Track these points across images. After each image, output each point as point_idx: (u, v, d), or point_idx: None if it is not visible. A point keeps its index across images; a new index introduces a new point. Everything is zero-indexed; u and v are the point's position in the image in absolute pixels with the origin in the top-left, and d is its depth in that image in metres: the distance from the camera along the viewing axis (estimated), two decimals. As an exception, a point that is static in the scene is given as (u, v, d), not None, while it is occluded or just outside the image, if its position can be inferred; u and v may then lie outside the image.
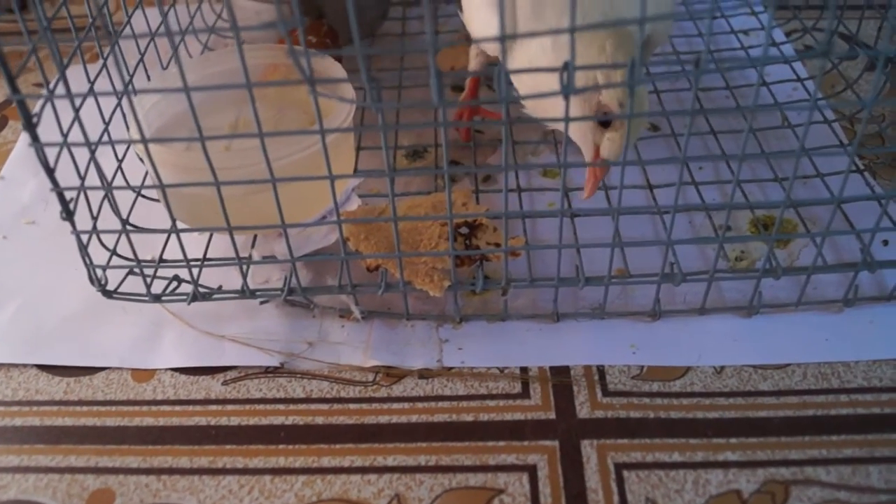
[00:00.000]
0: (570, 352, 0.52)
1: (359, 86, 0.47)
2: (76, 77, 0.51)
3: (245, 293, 0.53)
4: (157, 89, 0.55)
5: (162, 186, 0.47)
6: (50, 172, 0.47)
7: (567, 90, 0.40)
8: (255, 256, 0.56)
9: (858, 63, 0.76)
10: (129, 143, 0.49)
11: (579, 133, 0.50)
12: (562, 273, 0.50)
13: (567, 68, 0.39)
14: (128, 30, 0.62)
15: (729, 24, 0.80)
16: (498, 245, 0.53)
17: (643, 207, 0.60)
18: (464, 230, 0.54)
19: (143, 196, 0.60)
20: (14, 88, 0.43)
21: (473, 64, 0.65)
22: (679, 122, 0.68)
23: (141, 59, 0.62)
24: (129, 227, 0.52)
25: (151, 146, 0.47)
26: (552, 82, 0.39)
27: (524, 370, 0.51)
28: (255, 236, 0.57)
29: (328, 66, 0.59)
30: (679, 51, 0.77)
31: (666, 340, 0.52)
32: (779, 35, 0.78)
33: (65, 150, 0.47)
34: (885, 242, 0.57)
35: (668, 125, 0.67)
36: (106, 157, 0.55)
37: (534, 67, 0.48)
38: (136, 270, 0.52)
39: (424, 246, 0.53)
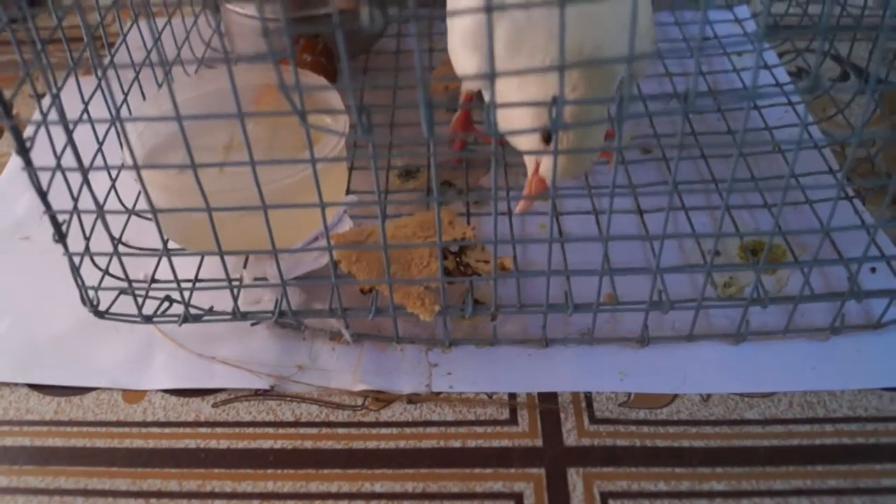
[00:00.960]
0: (559, 378, 0.52)
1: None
2: (70, 92, 0.51)
3: (236, 316, 0.53)
4: (148, 118, 0.55)
5: (154, 211, 0.47)
6: (43, 196, 0.47)
7: (555, 126, 0.40)
8: (247, 277, 0.56)
9: (850, 86, 0.77)
10: (123, 168, 0.49)
11: (526, 147, 0.51)
12: (551, 296, 0.51)
13: (556, 103, 0.40)
14: (123, 45, 0.62)
15: (721, 45, 0.80)
16: (488, 262, 0.54)
17: (633, 235, 0.60)
18: (453, 248, 0.55)
19: (136, 214, 0.60)
20: (7, 114, 0.43)
21: (464, 88, 0.65)
22: (670, 144, 0.68)
23: (136, 78, 0.62)
24: (121, 248, 0.52)
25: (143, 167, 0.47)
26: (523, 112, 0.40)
27: (512, 396, 0.52)
28: (247, 257, 0.57)
29: (321, 88, 0.59)
30: (671, 72, 0.77)
31: (654, 367, 0.52)
32: (771, 57, 0.79)
33: (57, 172, 0.48)
34: (873, 270, 0.58)
35: (660, 148, 0.68)
36: (99, 174, 0.55)
37: (516, 102, 0.49)
38: (128, 291, 0.52)
39: (415, 265, 0.53)
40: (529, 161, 0.52)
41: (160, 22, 0.63)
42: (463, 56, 0.56)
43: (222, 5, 0.77)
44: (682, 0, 0.87)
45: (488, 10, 0.34)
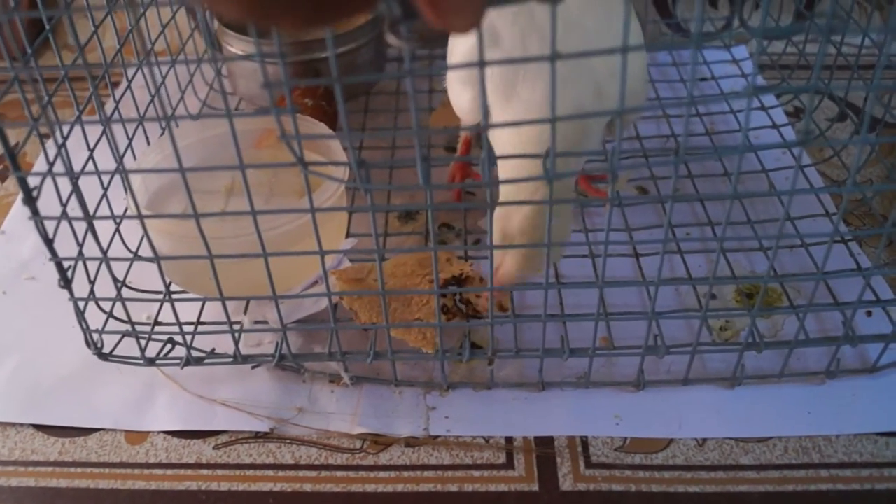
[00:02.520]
0: (555, 422, 0.53)
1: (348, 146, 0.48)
2: (75, 132, 0.53)
3: (237, 359, 0.54)
4: (152, 170, 0.56)
5: (158, 259, 0.48)
6: (49, 243, 0.48)
7: (549, 175, 0.41)
8: (248, 321, 0.57)
9: (847, 125, 0.78)
10: (125, 217, 0.50)
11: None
12: (548, 339, 0.51)
13: (549, 155, 0.41)
14: (126, 86, 0.63)
15: (719, 85, 0.81)
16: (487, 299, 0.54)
17: (629, 281, 0.61)
18: (452, 285, 0.56)
19: (140, 258, 0.61)
20: (15, 166, 0.45)
21: (463, 125, 0.66)
22: (667, 187, 0.69)
23: (140, 124, 0.63)
24: (125, 291, 0.53)
25: (146, 212, 0.48)
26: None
27: (509, 440, 0.52)
28: (248, 300, 0.58)
29: (321, 133, 0.60)
30: (668, 113, 0.78)
31: (649, 411, 0.53)
32: (769, 98, 0.80)
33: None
34: (869, 313, 0.58)
35: (656, 189, 0.68)
36: (103, 214, 0.56)
37: (514, 154, 0.50)
38: (132, 334, 0.53)
39: (416, 301, 0.54)
40: (496, 257, 0.52)
41: (163, 62, 0.64)
42: (456, 89, 0.57)
43: (224, 47, 0.78)
44: (678, 39, 0.88)
45: (480, 64, 0.35)
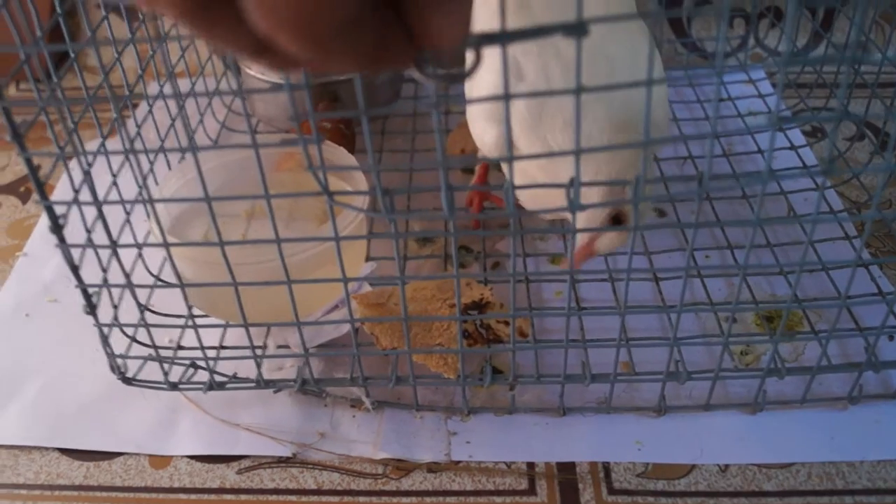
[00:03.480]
0: (577, 448, 0.53)
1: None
2: (98, 159, 0.53)
3: (260, 384, 0.54)
4: (177, 199, 0.57)
5: (182, 286, 0.49)
6: (75, 271, 0.49)
7: (574, 206, 0.41)
8: (270, 344, 0.57)
9: (866, 144, 0.77)
10: (149, 245, 0.50)
11: (587, 224, 0.52)
12: (569, 365, 0.52)
13: (573, 184, 0.41)
14: (146, 107, 0.64)
15: (735, 106, 0.81)
16: (507, 323, 0.55)
17: (650, 305, 0.61)
18: (473, 311, 0.56)
19: (163, 282, 0.61)
20: (42, 195, 0.45)
21: (480, 156, 0.66)
22: (685, 209, 0.69)
23: (161, 148, 0.63)
24: (148, 315, 0.54)
25: (170, 239, 0.48)
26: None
27: (531, 466, 0.52)
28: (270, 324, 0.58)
29: (342, 159, 0.60)
30: (685, 133, 0.78)
31: (671, 437, 0.53)
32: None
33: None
34: (891, 337, 0.58)
35: (675, 213, 0.68)
36: (126, 238, 0.56)
37: (538, 184, 0.50)
38: (155, 358, 0.54)
39: (437, 328, 0.54)
40: (586, 235, 0.53)
41: (182, 83, 0.64)
42: (480, 126, 0.57)
43: (243, 69, 0.78)
44: (694, 59, 0.88)
45: (506, 96, 0.36)
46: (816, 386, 0.55)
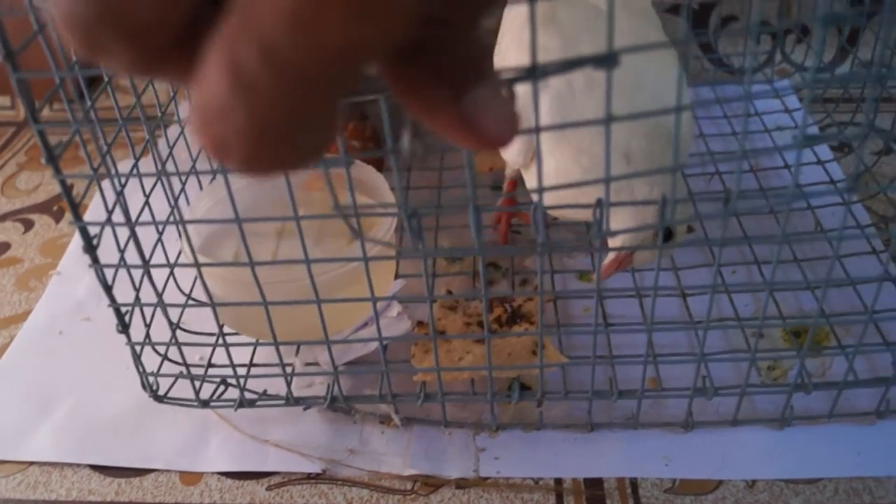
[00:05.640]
0: (604, 463, 0.53)
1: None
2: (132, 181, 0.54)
3: (289, 401, 0.55)
4: (209, 220, 0.58)
5: (213, 305, 0.50)
6: (108, 290, 0.50)
7: (597, 235, 0.42)
8: (299, 363, 0.58)
9: (893, 158, 0.77)
10: (180, 266, 0.51)
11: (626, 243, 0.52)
12: (596, 380, 0.52)
13: (600, 205, 0.41)
14: (176, 128, 0.65)
15: (762, 121, 0.81)
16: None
17: (677, 321, 0.61)
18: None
19: (193, 301, 0.62)
20: (77, 216, 0.46)
21: (509, 170, 0.67)
22: (712, 224, 0.69)
23: (192, 168, 0.64)
24: (179, 333, 0.55)
25: (201, 259, 0.49)
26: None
27: (559, 481, 0.52)
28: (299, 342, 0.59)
29: (371, 178, 0.61)
30: (713, 151, 0.78)
31: (698, 452, 0.53)
32: (813, 132, 0.80)
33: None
34: (919, 352, 0.58)
35: (702, 229, 0.69)
36: (157, 256, 0.57)
37: (566, 205, 0.51)
38: (186, 376, 0.55)
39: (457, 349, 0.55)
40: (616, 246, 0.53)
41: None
42: None
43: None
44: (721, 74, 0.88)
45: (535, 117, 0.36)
46: (843, 401, 0.54)
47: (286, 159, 0.17)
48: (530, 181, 0.58)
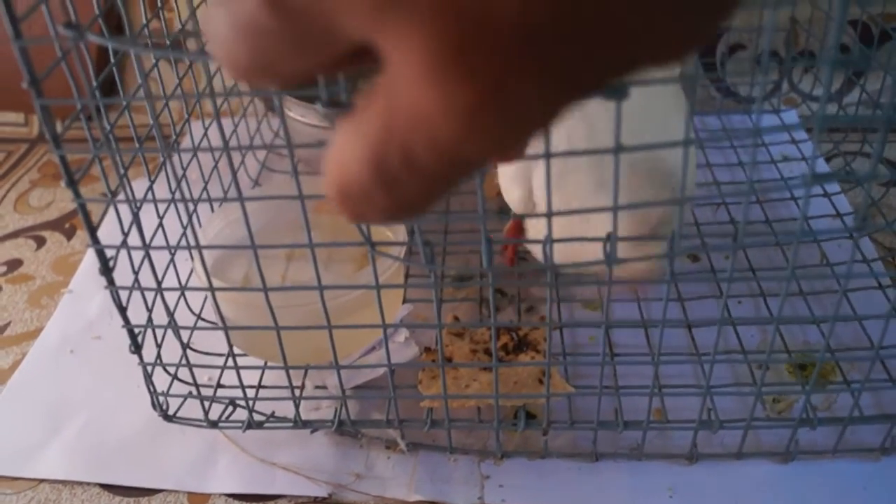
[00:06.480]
0: (609, 493, 0.53)
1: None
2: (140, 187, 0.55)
3: (297, 424, 0.55)
4: (224, 246, 0.59)
5: (225, 328, 0.50)
6: (122, 312, 0.50)
7: (610, 260, 0.42)
8: (308, 385, 0.58)
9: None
10: (191, 289, 0.52)
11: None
12: (602, 410, 0.52)
13: (609, 239, 0.42)
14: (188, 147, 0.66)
15: (769, 151, 0.82)
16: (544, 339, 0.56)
17: (683, 353, 0.61)
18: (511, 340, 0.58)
19: (204, 320, 0.63)
20: (94, 239, 0.47)
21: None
22: (719, 253, 0.70)
23: (205, 188, 0.65)
24: (189, 353, 0.55)
25: (214, 282, 0.50)
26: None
27: (563, 511, 0.53)
28: (308, 365, 0.59)
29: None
30: (720, 181, 0.79)
31: (703, 485, 0.53)
32: (821, 165, 0.80)
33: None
34: (924, 388, 0.58)
35: (708, 260, 0.69)
36: (169, 276, 0.58)
37: (575, 237, 0.51)
38: (196, 396, 0.55)
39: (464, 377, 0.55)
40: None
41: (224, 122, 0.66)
42: (506, 184, 0.60)
43: (285, 113, 0.80)
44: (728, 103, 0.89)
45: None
46: (849, 435, 0.55)
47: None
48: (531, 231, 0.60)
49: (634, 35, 0.18)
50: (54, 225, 0.83)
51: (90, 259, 0.77)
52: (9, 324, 0.71)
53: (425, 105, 0.18)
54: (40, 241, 0.81)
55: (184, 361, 0.54)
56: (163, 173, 0.57)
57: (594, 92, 0.19)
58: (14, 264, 0.78)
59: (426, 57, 0.17)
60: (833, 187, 0.76)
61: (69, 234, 0.81)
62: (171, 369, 0.57)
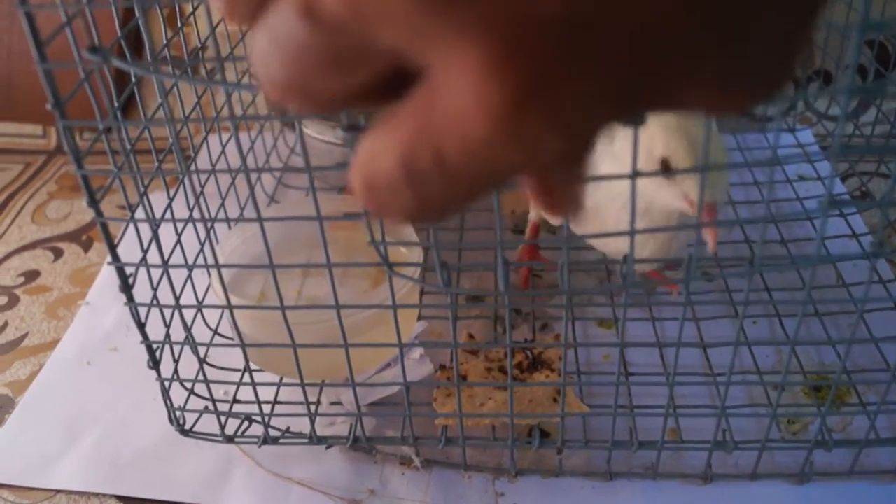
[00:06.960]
0: (623, 514, 0.53)
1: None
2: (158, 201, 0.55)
3: (312, 439, 0.55)
4: (242, 265, 0.59)
5: (243, 346, 0.51)
6: (141, 328, 0.51)
7: (628, 284, 0.42)
8: (324, 401, 0.59)
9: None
10: (208, 307, 0.53)
11: (668, 197, 0.52)
12: (616, 430, 0.52)
13: (626, 261, 0.42)
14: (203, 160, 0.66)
15: (784, 171, 0.82)
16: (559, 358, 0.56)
17: (698, 373, 0.61)
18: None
19: (220, 335, 0.63)
20: (115, 256, 0.47)
21: (533, 212, 0.68)
22: (734, 272, 0.70)
23: (221, 205, 0.66)
24: (206, 368, 0.56)
25: (232, 300, 0.50)
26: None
27: (577, 530, 0.53)
28: (323, 381, 0.60)
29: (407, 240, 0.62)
30: (735, 200, 0.79)
31: (717, 506, 0.53)
32: (837, 185, 0.80)
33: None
34: (940, 411, 0.58)
35: (724, 281, 0.69)
36: (187, 296, 0.58)
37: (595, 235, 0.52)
38: (212, 411, 0.55)
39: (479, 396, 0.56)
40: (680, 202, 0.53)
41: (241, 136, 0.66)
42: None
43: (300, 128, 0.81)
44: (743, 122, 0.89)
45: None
46: (864, 457, 0.55)
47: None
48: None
49: (690, 66, 0.18)
50: (72, 237, 0.84)
51: (107, 271, 0.77)
52: (26, 335, 0.71)
53: (465, 106, 0.18)
54: (58, 253, 0.81)
55: (200, 377, 0.54)
56: (185, 196, 0.57)
57: (632, 111, 0.19)
58: (32, 275, 0.78)
59: (472, 63, 0.18)
60: (849, 208, 0.76)
61: (86, 246, 0.82)
62: (188, 384, 0.58)
